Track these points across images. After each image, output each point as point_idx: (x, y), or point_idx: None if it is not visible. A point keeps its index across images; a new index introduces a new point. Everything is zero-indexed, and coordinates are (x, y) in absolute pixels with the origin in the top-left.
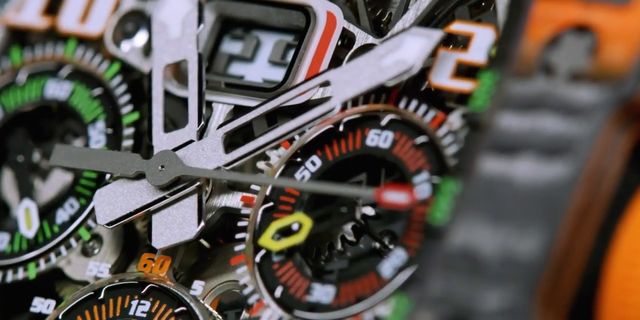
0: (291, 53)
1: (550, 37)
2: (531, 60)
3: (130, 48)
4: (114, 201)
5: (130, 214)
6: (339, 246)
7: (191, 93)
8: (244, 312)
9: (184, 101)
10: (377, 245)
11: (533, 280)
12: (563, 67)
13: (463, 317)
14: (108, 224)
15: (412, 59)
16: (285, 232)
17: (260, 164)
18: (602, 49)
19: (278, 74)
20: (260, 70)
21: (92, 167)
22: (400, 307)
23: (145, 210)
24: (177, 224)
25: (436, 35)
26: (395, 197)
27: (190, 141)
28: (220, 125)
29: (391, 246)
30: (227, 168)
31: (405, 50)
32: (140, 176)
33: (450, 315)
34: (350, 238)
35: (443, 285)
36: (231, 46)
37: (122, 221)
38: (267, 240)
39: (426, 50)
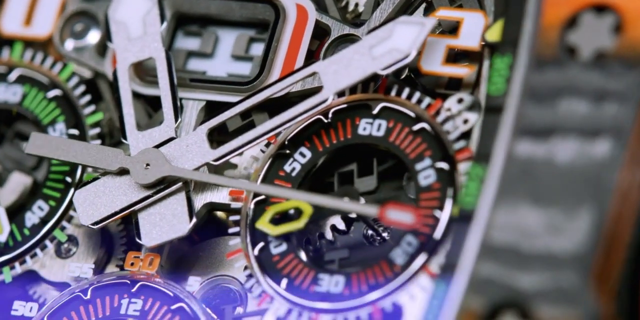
0: (255, 47)
1: (568, 18)
2: (552, 42)
3: (74, 47)
4: (96, 201)
5: (116, 213)
6: (330, 236)
7: (163, 91)
8: (238, 307)
9: (145, 99)
10: (370, 233)
11: (587, 260)
12: (587, 47)
13: (514, 298)
14: (93, 224)
15: (407, 47)
16: (281, 220)
17: (234, 159)
18: (628, 27)
19: (243, 68)
20: (222, 65)
21: (72, 159)
22: (438, 293)
23: (131, 209)
24: (167, 221)
25: (429, 22)
26: (399, 216)
27: (171, 138)
28: (203, 121)
29: (385, 234)
30: (216, 163)
31: (397, 38)
32: (121, 173)
33: (500, 297)
34: (341, 227)
35: (489, 268)
36: (186, 42)
37: (107, 221)
38: (265, 223)
39: (421, 38)
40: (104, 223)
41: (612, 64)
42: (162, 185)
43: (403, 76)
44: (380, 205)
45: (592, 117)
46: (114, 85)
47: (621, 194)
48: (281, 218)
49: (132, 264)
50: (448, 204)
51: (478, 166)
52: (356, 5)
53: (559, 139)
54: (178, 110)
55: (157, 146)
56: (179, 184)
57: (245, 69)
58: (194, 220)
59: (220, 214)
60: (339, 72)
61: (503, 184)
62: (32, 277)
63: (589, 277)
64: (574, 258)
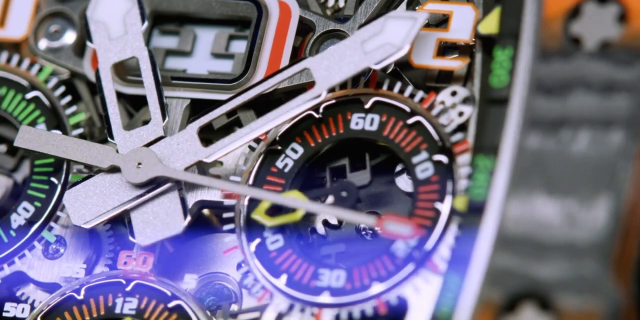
0: (235, 44)
1: (571, 8)
2: (556, 33)
3: (50, 47)
4: (87, 201)
5: (108, 212)
6: (322, 230)
7: (148, 90)
8: (233, 304)
9: (125, 98)
10: (362, 226)
11: (607, 248)
12: (591, 37)
13: (533, 288)
14: (85, 224)
15: (399, 42)
16: (277, 212)
17: None
18: (633, 17)
19: (224, 66)
20: (202, 63)
21: (61, 154)
22: (451, 286)
23: (123, 208)
24: (160, 220)
25: (422, 16)
26: (397, 228)
27: (161, 137)
28: (193, 119)
29: (378, 228)
30: (209, 160)
31: (389, 33)
32: (111, 171)
33: (519, 288)
34: (333, 222)
35: (506, 259)
36: (163, 41)
37: (99, 220)
38: (262, 213)
39: (414, 32)
40: (96, 222)
41: (618, 54)
42: (153, 184)
43: (389, 70)
44: (377, 217)
45: (603, 108)
46: (97, 86)
47: (636, 183)
48: (277, 210)
49: (125, 263)
50: (449, 196)
51: (485, 158)
52: (336, 0)
53: (570, 130)
54: (165, 109)
55: (147, 145)
56: (172, 183)
57: (226, 67)
58: (188, 218)
59: (205, 211)
60: (331, 68)
61: (515, 176)
62: (21, 278)
63: (609, 266)
64: (594, 247)
